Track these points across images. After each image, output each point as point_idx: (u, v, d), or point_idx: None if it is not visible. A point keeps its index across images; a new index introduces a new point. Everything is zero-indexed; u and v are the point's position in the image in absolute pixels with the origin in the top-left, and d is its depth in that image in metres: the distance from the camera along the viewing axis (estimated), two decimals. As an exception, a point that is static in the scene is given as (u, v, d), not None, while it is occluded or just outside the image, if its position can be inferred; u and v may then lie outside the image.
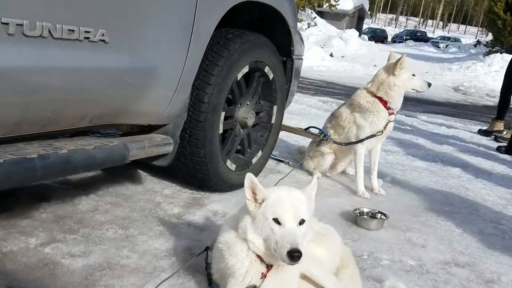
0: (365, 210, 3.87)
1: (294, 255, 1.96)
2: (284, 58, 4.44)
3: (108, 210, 3.27)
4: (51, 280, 2.37)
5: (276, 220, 2.07)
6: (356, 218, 3.76)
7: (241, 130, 3.91)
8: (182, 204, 3.54)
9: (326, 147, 4.71)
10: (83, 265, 2.54)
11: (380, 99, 4.30)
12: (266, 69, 3.95)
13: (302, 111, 8.94)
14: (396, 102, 4.29)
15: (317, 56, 22.15)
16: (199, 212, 3.45)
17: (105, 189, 3.63)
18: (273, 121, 4.28)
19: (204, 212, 3.45)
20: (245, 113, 3.82)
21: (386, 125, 4.30)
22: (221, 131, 3.53)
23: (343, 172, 5.12)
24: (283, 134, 5.66)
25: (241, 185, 3.60)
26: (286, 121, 7.47)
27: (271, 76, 4.03)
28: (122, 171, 3.93)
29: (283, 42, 4.30)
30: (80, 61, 2.27)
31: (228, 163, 3.74)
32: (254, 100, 4.02)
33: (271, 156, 5.14)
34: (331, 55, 23.97)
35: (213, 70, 3.34)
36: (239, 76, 3.61)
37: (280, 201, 2.12)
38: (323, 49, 24.83)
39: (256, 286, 2.14)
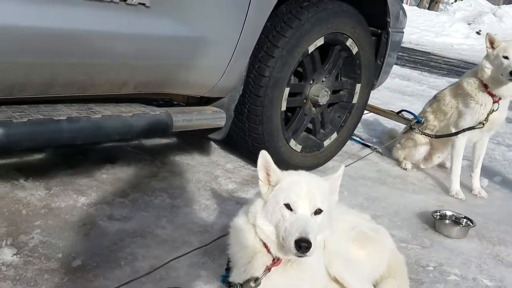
0: (448, 213, 3.31)
1: (301, 245, 1.69)
2: (379, 31, 3.95)
3: (166, 178, 3.30)
4: (83, 240, 2.46)
5: (288, 206, 1.81)
6: (434, 222, 3.24)
7: (313, 109, 3.60)
8: (239, 181, 3.42)
9: (420, 134, 4.13)
10: (117, 230, 2.59)
11: (484, 84, 3.59)
12: (349, 42, 3.54)
13: (421, 93, 8.05)
14: (503, 89, 3.54)
15: (460, 33, 19.92)
16: (253, 191, 3.28)
17: (172, 157, 3.68)
18: (354, 101, 3.86)
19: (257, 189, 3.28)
20: (318, 90, 3.50)
21: (489, 114, 3.58)
22: (283, 108, 3.28)
23: (441, 165, 4.48)
24: (375, 116, 5.16)
25: (306, 168, 3.36)
26: (394, 102, 6.86)
27: (354, 50, 3.62)
28: (195, 141, 3.95)
29: (377, 12, 3.81)
30: (114, 25, 2.23)
31: (292, 143, 3.49)
32: (332, 77, 3.66)
33: (356, 139, 4.73)
34: (477, 32, 21.31)
35: (278, 41, 3.09)
36: (311, 49, 3.29)
37: (295, 185, 1.85)
38: (470, 26, 22.24)
39: (258, 278, 1.94)
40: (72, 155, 3.36)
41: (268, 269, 1.91)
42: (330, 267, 2.20)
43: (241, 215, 2.02)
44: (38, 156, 3.29)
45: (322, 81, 3.58)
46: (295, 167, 3.43)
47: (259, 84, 3.08)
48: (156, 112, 2.57)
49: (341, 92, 3.83)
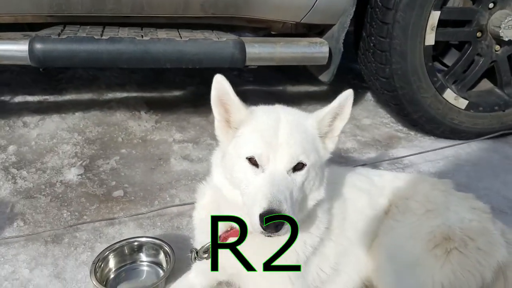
0: None
1: (269, 222, 1.09)
2: None
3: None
4: (145, 173, 2.32)
5: (252, 161, 1.20)
6: None
7: (495, 47, 2.43)
8: (364, 140, 2.65)
9: None
10: (182, 170, 2.37)
11: None
12: None
13: None
14: None
15: None
16: (371, 154, 2.49)
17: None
18: None
19: (379, 154, 2.47)
20: (503, 19, 2.31)
21: None
22: (429, 42, 2.30)
23: None
24: None
25: (475, 135, 2.40)
26: None
27: None
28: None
29: None
30: None
31: (449, 95, 2.45)
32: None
33: None
34: None
35: None
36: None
37: (264, 128, 1.22)
38: None
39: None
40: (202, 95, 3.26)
41: (224, 239, 1.33)
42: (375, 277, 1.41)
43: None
44: (174, 93, 3.33)
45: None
46: (461, 131, 2.46)
47: (387, 5, 2.22)
48: (222, 39, 2.13)
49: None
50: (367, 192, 1.56)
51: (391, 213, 1.53)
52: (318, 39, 2.31)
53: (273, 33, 2.62)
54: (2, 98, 3.01)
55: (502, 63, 2.48)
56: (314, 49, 2.27)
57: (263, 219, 1.10)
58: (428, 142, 2.61)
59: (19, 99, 3.03)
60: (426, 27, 2.25)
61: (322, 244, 1.39)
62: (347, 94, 1.28)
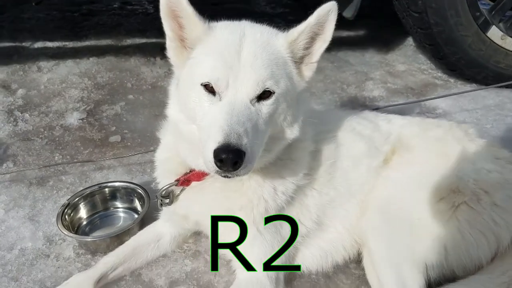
0: None
1: (223, 158, 0.92)
2: None
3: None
4: (146, 120, 2.19)
5: (208, 87, 1.01)
6: None
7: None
8: (394, 88, 2.35)
9: None
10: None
11: None
12: None
13: None
14: None
15: None
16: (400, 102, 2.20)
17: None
18: None
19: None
20: None
21: None
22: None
23: None
24: None
25: None
26: None
27: None
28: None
29: None
30: None
31: (495, 34, 2.07)
32: None
33: None
34: None
35: None
36: None
37: (223, 49, 1.00)
38: None
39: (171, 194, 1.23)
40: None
41: (180, 183, 1.16)
42: (361, 226, 1.19)
43: None
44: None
45: None
46: (499, 75, 2.13)
47: None
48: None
49: None
50: (368, 138, 1.32)
51: (394, 163, 1.29)
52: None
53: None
54: (24, 43, 2.99)
55: None
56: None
57: (217, 156, 0.91)
58: (468, 89, 2.26)
59: (38, 45, 2.99)
60: None
61: (302, 192, 1.19)
62: (329, 7, 1.02)
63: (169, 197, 1.21)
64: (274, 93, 0.98)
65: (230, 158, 0.90)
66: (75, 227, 1.46)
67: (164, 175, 1.24)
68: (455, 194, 1.17)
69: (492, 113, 2.06)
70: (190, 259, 1.37)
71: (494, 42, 2.08)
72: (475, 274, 1.15)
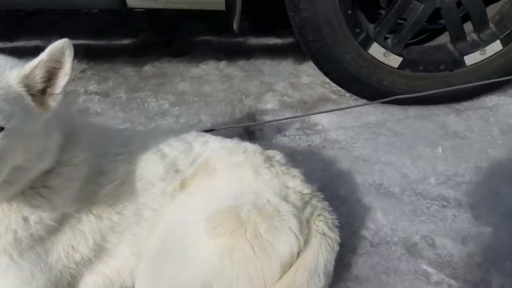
0: None
1: None
2: None
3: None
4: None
5: None
6: None
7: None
8: (291, 101, 2.34)
9: None
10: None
11: None
12: None
13: None
14: None
15: None
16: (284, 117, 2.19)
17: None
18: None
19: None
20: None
21: None
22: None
23: None
24: None
25: (413, 99, 2.06)
26: None
27: None
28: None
29: None
30: None
31: (376, 50, 2.05)
32: None
33: None
34: None
35: None
36: None
37: None
38: None
39: None
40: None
41: None
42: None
43: None
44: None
45: None
46: (383, 93, 2.12)
47: None
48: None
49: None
50: (170, 160, 1.31)
51: (192, 188, 1.30)
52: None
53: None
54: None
55: (449, 11, 2.01)
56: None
57: None
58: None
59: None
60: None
61: (75, 218, 1.20)
62: (62, 45, 1.03)
63: None
64: (3, 128, 1.00)
65: None
66: None
67: None
68: (230, 222, 1.17)
69: (368, 131, 2.04)
70: None
71: (377, 59, 2.06)
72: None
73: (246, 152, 1.36)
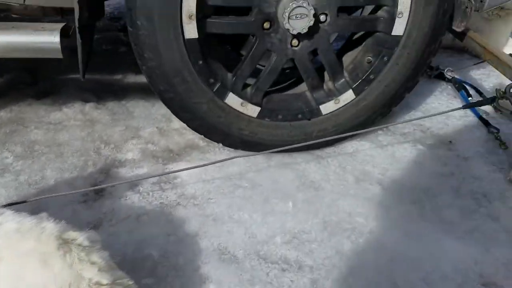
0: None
1: None
2: None
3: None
4: None
5: None
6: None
7: (293, 41, 1.95)
8: (154, 149, 2.22)
9: None
10: None
11: None
12: None
13: None
14: None
15: None
16: (141, 170, 2.07)
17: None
18: (398, 31, 1.94)
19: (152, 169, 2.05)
20: (287, 5, 1.83)
21: None
22: (191, 34, 1.82)
23: None
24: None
25: (271, 146, 1.99)
26: None
27: None
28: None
29: None
30: None
31: (234, 100, 2.00)
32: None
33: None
34: None
35: None
36: None
37: None
38: None
39: None
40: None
41: None
42: None
43: None
44: None
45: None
46: (247, 142, 2.03)
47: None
48: None
49: (378, 11, 1.99)
50: None
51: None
52: (50, 25, 1.84)
53: (14, 16, 2.15)
54: None
55: (302, 61, 2.01)
56: (41, 38, 1.81)
57: None
58: (225, 154, 2.17)
59: None
60: (181, 15, 1.77)
61: None
62: None
63: None
64: None
65: None
66: None
67: None
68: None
69: (228, 184, 1.97)
70: None
71: (234, 109, 2.01)
72: None
73: (40, 236, 1.20)
